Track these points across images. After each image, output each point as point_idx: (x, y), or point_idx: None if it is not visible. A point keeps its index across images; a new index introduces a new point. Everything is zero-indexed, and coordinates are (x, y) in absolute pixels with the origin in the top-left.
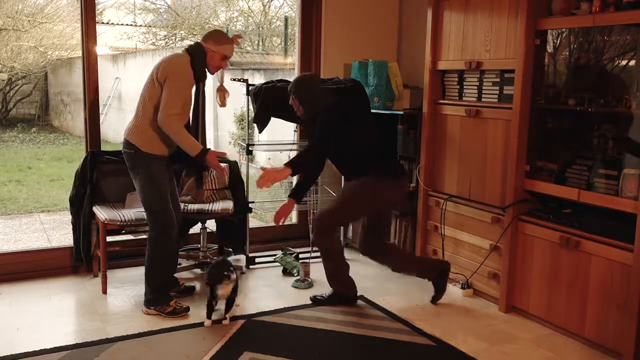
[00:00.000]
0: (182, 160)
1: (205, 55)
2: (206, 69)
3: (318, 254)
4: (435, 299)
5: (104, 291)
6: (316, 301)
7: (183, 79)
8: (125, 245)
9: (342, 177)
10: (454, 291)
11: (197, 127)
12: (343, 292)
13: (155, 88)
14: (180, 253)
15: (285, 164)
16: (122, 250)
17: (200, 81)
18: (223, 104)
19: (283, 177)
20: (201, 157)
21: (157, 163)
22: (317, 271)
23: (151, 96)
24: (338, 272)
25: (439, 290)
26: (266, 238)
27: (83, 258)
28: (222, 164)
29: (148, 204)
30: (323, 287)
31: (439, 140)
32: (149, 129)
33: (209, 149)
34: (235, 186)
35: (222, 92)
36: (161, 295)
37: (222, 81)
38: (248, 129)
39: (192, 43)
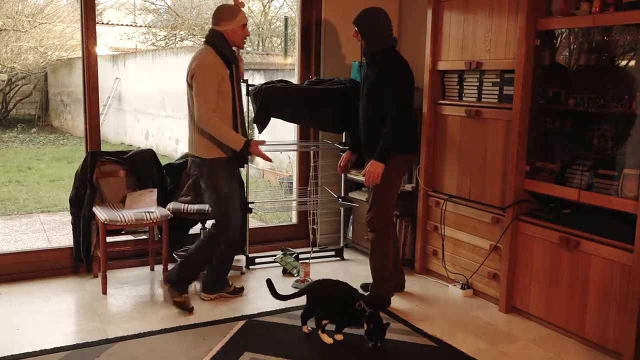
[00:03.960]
0: None
1: (224, 37)
2: (233, 49)
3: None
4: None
5: (104, 292)
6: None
7: (206, 71)
8: (126, 246)
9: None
10: (454, 291)
11: (235, 113)
12: (384, 296)
13: (191, 92)
14: (179, 253)
15: (375, 159)
16: (122, 251)
17: (232, 64)
18: (241, 73)
19: (381, 170)
20: (246, 149)
21: (222, 169)
22: (317, 272)
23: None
24: (388, 277)
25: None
26: (266, 238)
27: (83, 258)
28: None
29: (212, 210)
30: None
31: (439, 140)
32: (202, 136)
33: (251, 139)
34: None
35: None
36: (181, 283)
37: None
38: (248, 129)
39: (208, 34)
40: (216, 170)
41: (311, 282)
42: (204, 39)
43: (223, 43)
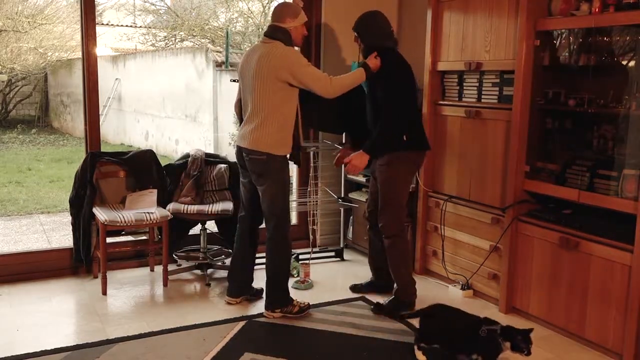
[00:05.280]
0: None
1: (290, 34)
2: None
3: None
4: (379, 308)
5: (104, 292)
6: (379, 308)
7: (295, 55)
8: (126, 247)
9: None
10: (454, 292)
11: (297, 114)
12: (408, 300)
13: (278, 88)
14: (179, 254)
15: (362, 149)
16: (122, 252)
17: None
18: None
19: (365, 164)
20: (369, 71)
21: (287, 166)
22: (317, 272)
23: (276, 98)
24: (411, 281)
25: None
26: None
27: (83, 259)
28: (222, 165)
29: (275, 208)
30: (323, 288)
31: (438, 141)
32: (278, 132)
33: (363, 62)
34: (235, 187)
35: None
36: (286, 297)
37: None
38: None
39: (269, 31)
40: (284, 166)
41: (428, 307)
42: (266, 36)
43: (289, 40)
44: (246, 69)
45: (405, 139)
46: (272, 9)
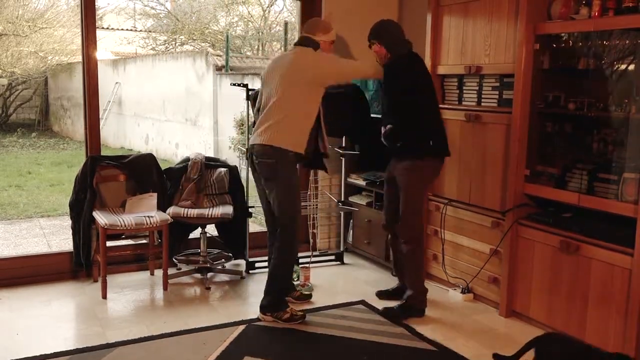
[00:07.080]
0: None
1: (319, 47)
2: None
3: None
4: (388, 312)
5: (104, 296)
6: (388, 314)
7: (321, 54)
8: (126, 250)
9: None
10: (454, 296)
11: (319, 121)
12: (419, 305)
13: (301, 89)
14: (179, 258)
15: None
16: (122, 255)
17: None
18: None
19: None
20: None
21: (295, 169)
22: (317, 276)
23: (297, 99)
24: (424, 289)
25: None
26: (266, 243)
27: (83, 263)
28: (222, 169)
29: (284, 211)
30: (323, 291)
31: None
32: (295, 131)
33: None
34: (235, 191)
35: None
36: (279, 302)
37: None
38: (248, 133)
39: (301, 41)
40: (293, 168)
41: (538, 337)
42: (298, 44)
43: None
44: (272, 73)
45: (431, 144)
46: (272, 12)
